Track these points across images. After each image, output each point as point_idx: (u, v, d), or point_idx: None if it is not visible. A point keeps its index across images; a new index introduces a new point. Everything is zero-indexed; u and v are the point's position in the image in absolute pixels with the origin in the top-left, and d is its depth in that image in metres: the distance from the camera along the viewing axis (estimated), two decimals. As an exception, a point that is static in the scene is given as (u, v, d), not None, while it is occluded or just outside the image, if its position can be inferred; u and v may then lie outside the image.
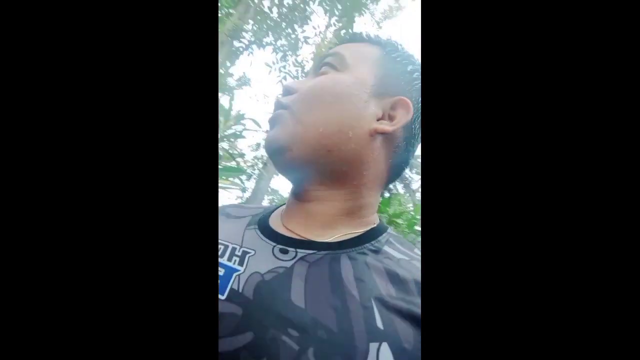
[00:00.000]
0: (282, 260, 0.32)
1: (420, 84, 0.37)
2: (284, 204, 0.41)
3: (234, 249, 0.34)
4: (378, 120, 0.35)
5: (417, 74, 0.38)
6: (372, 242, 0.34)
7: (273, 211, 0.40)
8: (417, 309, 0.28)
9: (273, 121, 0.36)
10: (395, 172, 0.38)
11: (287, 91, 0.37)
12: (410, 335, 0.27)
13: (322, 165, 0.34)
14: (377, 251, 0.34)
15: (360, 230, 0.35)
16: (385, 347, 0.26)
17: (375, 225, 0.37)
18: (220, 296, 0.29)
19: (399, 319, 0.27)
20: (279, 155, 0.35)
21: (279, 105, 0.36)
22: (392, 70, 0.37)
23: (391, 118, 0.35)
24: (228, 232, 0.36)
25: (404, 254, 0.34)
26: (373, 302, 0.28)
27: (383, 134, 0.35)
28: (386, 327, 0.27)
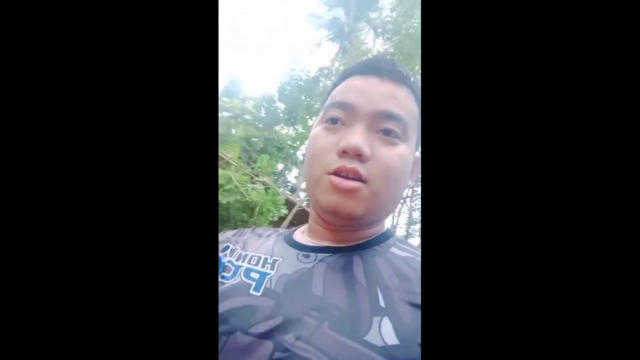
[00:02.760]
0: (305, 263, 0.39)
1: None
2: (302, 224, 0.49)
3: (266, 259, 0.41)
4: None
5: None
6: (380, 244, 0.41)
7: (295, 230, 0.48)
8: (417, 299, 0.32)
9: (349, 192, 0.36)
10: None
11: (359, 156, 0.36)
12: (409, 314, 0.31)
13: (375, 220, 0.42)
14: (384, 251, 0.39)
15: (371, 236, 0.41)
16: (386, 320, 0.31)
17: (383, 231, 0.43)
18: (256, 293, 0.36)
19: (399, 302, 0.32)
20: (349, 220, 0.38)
21: (355, 175, 0.36)
22: (419, 130, 0.42)
23: (411, 173, 0.42)
24: (260, 247, 0.44)
25: (410, 252, 0.40)
26: (378, 288, 0.34)
27: None
28: (388, 306, 0.32)
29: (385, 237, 0.42)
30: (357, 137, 0.36)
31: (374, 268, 0.36)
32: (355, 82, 0.40)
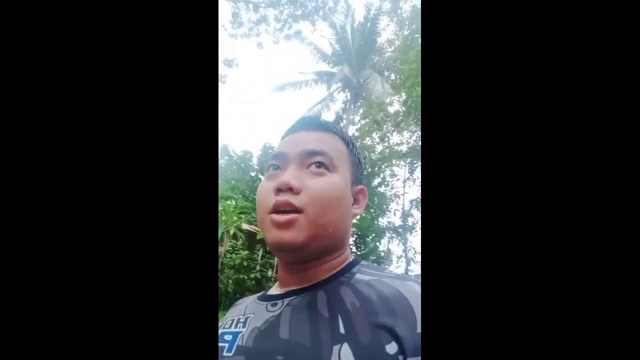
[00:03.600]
0: (273, 311, 0.41)
1: (362, 165, 0.51)
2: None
3: (239, 319, 0.44)
4: (353, 205, 0.47)
5: (361, 158, 0.51)
6: (345, 275, 0.43)
7: (271, 287, 0.51)
8: (376, 318, 0.34)
9: (287, 224, 0.40)
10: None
11: (290, 189, 0.40)
12: (367, 335, 0.33)
13: (326, 249, 0.43)
14: (349, 280, 0.41)
15: (338, 269, 0.44)
16: (345, 347, 0.32)
17: (349, 261, 0.46)
18: (228, 354, 0.39)
19: (358, 322, 0.34)
20: (295, 252, 0.41)
21: (289, 207, 0.40)
22: (354, 163, 0.48)
23: (357, 201, 0.48)
24: (237, 311, 0.47)
25: (374, 275, 0.41)
26: (339, 315, 0.35)
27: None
28: (347, 331, 0.33)
29: (350, 266, 0.44)
30: (287, 174, 0.41)
31: (336, 298, 0.38)
32: (287, 138, 0.49)
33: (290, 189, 0.40)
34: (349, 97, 9.68)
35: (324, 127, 0.48)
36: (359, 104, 9.74)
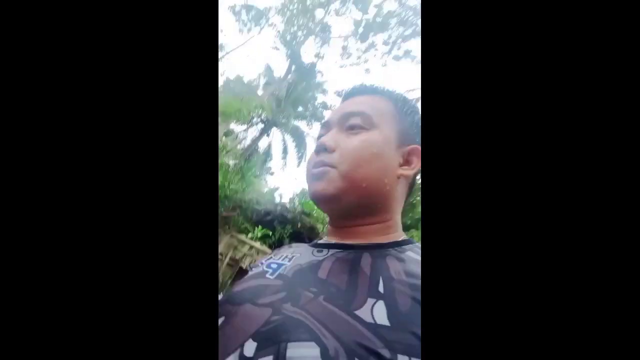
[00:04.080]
0: (317, 256, 0.42)
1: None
2: None
3: (287, 255, 0.46)
4: (401, 166, 0.44)
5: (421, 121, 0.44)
6: (396, 248, 0.40)
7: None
8: (420, 295, 0.31)
9: (320, 176, 0.42)
10: (408, 198, 0.49)
11: (324, 148, 0.43)
12: (407, 304, 0.31)
13: (364, 207, 0.42)
14: (399, 253, 0.39)
15: (388, 241, 0.42)
16: (380, 303, 0.31)
17: (402, 238, 0.43)
18: (270, 277, 0.41)
19: (400, 292, 0.32)
20: (328, 204, 0.43)
21: (322, 163, 0.42)
22: (404, 122, 0.46)
23: (409, 163, 0.45)
24: (288, 251, 0.48)
25: None
26: (381, 277, 0.34)
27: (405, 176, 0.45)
28: (386, 292, 0.32)
29: (403, 243, 0.42)
30: (324, 137, 0.45)
31: (382, 264, 0.37)
32: (335, 108, 0.52)
33: (325, 149, 0.43)
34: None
35: (371, 90, 0.49)
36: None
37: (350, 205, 0.42)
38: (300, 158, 9.13)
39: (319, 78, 8.90)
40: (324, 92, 9.22)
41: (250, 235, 5.27)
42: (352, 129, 0.43)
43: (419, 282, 0.33)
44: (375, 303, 0.31)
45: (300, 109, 9.11)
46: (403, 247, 0.41)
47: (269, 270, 0.42)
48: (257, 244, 5.10)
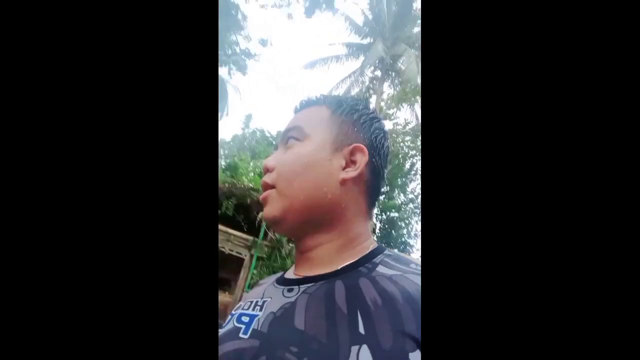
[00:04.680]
0: (289, 297, 0.40)
1: (367, 125, 0.45)
2: None
3: (257, 302, 0.43)
4: (344, 169, 0.42)
5: (364, 117, 0.46)
6: (365, 265, 0.40)
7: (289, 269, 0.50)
8: (399, 320, 0.31)
9: (264, 200, 0.44)
10: (373, 197, 0.46)
11: (266, 169, 0.44)
12: (389, 339, 0.31)
13: (310, 222, 0.42)
14: (369, 272, 0.38)
15: (357, 257, 0.41)
16: (364, 348, 0.30)
17: (370, 250, 0.42)
18: (244, 335, 0.39)
19: (380, 324, 0.32)
20: (277, 226, 0.44)
21: (266, 186, 0.44)
22: (341, 124, 0.44)
23: (354, 162, 0.43)
24: (256, 294, 0.47)
25: (398, 269, 0.38)
26: (359, 313, 0.33)
27: (351, 178, 0.42)
28: (367, 332, 0.31)
29: (371, 255, 0.42)
30: (267, 158, 0.45)
31: (356, 292, 0.36)
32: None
33: (267, 170, 0.44)
34: (379, 76, 9.55)
35: (312, 102, 0.48)
36: (389, 82, 9.63)
37: (297, 222, 0.42)
38: (222, 110, 8.72)
39: (241, 20, 8.16)
40: (247, 38, 8.58)
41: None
42: (289, 144, 0.44)
43: (395, 305, 0.33)
44: (359, 349, 0.30)
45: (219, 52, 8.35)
46: (373, 261, 0.40)
47: (242, 327, 0.40)
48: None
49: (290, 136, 0.45)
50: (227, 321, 0.45)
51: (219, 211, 5.60)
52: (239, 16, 8.16)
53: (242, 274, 5.60)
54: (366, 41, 9.81)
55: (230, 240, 5.69)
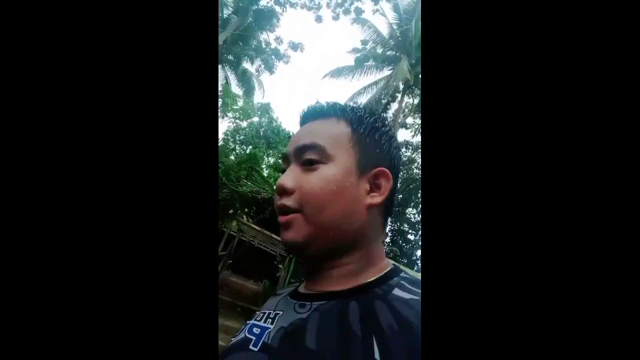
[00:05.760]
0: (300, 313, 0.39)
1: (387, 145, 0.44)
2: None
3: (269, 313, 0.44)
4: (368, 193, 0.42)
5: (384, 138, 0.44)
6: (381, 286, 0.39)
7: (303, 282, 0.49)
8: (416, 343, 0.30)
9: (286, 225, 0.41)
10: (387, 217, 0.46)
11: (283, 190, 0.41)
12: None
13: (336, 249, 0.41)
14: (385, 294, 0.37)
15: (371, 278, 0.40)
16: None
17: (386, 271, 0.42)
18: (254, 348, 0.38)
19: (397, 350, 0.30)
20: (298, 252, 0.42)
21: (285, 208, 0.41)
22: (364, 146, 0.43)
23: (377, 186, 0.42)
24: (270, 304, 0.47)
25: (415, 293, 0.37)
26: (374, 337, 0.32)
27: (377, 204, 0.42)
28: (383, 358, 0.30)
29: (388, 277, 0.40)
30: (282, 177, 0.43)
31: (371, 314, 0.35)
32: (293, 135, 0.47)
33: (284, 191, 0.41)
34: (400, 87, 9.84)
35: (325, 113, 0.45)
36: (408, 94, 9.89)
37: (322, 250, 0.41)
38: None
39: (275, 22, 8.74)
40: (278, 40, 9.15)
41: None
42: (309, 164, 0.42)
43: (411, 330, 0.32)
44: None
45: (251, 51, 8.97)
46: (389, 283, 0.39)
47: (252, 339, 0.39)
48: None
49: (309, 157, 0.42)
50: (240, 330, 0.45)
51: (262, 216, 5.95)
52: (273, 20, 8.75)
53: (282, 275, 6.03)
54: (391, 53, 10.13)
55: (274, 243, 6.35)
